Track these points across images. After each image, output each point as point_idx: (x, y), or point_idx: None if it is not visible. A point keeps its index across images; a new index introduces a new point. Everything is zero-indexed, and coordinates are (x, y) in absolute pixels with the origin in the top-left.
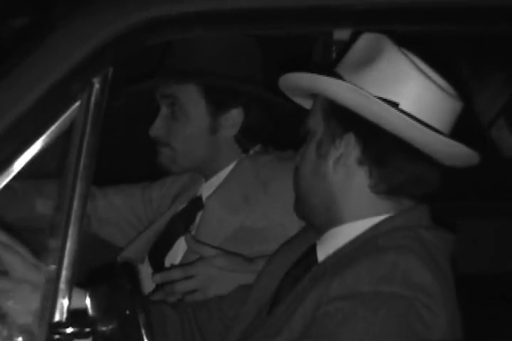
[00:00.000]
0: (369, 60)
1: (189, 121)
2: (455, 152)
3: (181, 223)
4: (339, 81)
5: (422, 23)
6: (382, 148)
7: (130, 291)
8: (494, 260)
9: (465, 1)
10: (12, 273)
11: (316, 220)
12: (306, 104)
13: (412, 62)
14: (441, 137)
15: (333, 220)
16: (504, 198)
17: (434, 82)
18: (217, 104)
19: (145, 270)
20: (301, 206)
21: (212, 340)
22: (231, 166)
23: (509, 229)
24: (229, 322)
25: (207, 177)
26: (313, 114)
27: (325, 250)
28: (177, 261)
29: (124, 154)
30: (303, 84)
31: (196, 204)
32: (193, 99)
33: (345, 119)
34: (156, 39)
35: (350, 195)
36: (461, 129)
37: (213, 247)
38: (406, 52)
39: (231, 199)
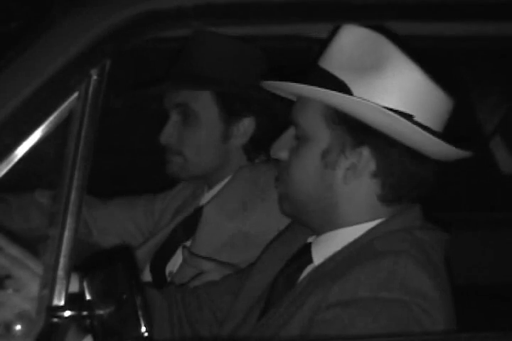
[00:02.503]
0: (374, 65)
1: (202, 129)
2: (457, 155)
3: (183, 232)
4: (354, 98)
5: (418, 18)
6: (396, 160)
7: (127, 275)
8: (489, 271)
9: None
10: (22, 290)
11: (311, 223)
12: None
13: (423, 70)
14: (453, 148)
15: (330, 224)
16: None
17: (442, 89)
18: (231, 113)
19: (144, 279)
20: (292, 208)
21: (201, 329)
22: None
23: (503, 240)
24: (219, 314)
25: (210, 186)
26: (308, 117)
27: (321, 253)
28: (175, 268)
29: (126, 164)
30: (303, 94)
31: (198, 213)
32: (206, 107)
33: (358, 131)
34: (153, 32)
35: (354, 203)
36: (463, 136)
37: (208, 259)
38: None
39: (228, 205)
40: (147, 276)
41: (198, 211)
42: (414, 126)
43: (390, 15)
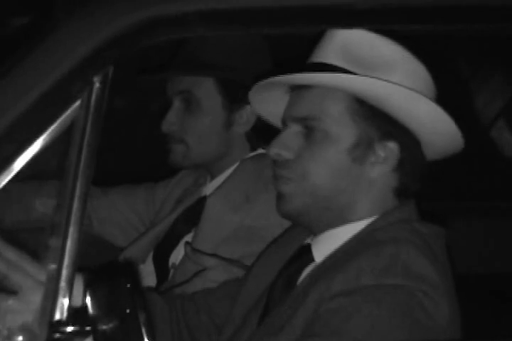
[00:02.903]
0: (384, 65)
1: (204, 116)
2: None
3: (186, 222)
4: (400, 86)
5: (421, 22)
6: (413, 153)
7: (130, 290)
8: (487, 260)
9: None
10: (21, 294)
11: (317, 221)
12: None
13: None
14: (462, 143)
15: (339, 220)
16: (503, 198)
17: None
18: (233, 100)
19: (146, 270)
20: (303, 206)
21: (197, 333)
22: (235, 166)
23: (504, 229)
24: (217, 319)
25: (213, 175)
26: (330, 112)
27: (322, 251)
28: (178, 260)
29: (127, 154)
30: (330, 84)
31: (201, 204)
32: (209, 94)
33: (384, 124)
34: (157, 38)
35: (372, 198)
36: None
37: (211, 255)
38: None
39: (232, 197)
40: (149, 267)
41: (201, 202)
42: (449, 117)
43: (394, 19)
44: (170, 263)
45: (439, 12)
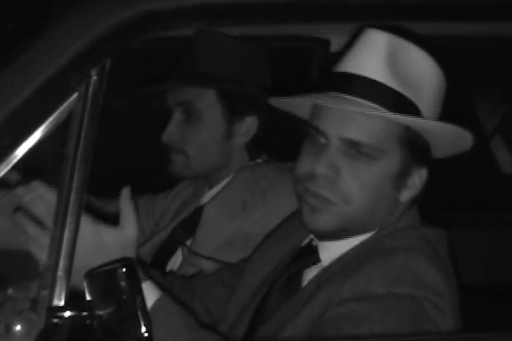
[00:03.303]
0: (419, 78)
1: (205, 127)
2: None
3: (183, 231)
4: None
5: (415, 18)
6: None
7: (127, 275)
8: (488, 271)
9: None
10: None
11: (336, 234)
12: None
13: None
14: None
15: (362, 232)
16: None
17: None
18: (234, 112)
19: None
20: (336, 226)
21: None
22: (232, 175)
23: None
24: (210, 305)
25: (211, 185)
26: (381, 137)
27: (330, 254)
28: (176, 266)
29: (127, 164)
30: (403, 122)
31: (198, 212)
32: (210, 105)
33: (424, 152)
34: (154, 32)
35: (391, 214)
36: None
37: (207, 258)
38: None
39: (229, 205)
40: None
41: (198, 210)
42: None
43: (388, 15)
44: (167, 271)
45: (434, 8)
